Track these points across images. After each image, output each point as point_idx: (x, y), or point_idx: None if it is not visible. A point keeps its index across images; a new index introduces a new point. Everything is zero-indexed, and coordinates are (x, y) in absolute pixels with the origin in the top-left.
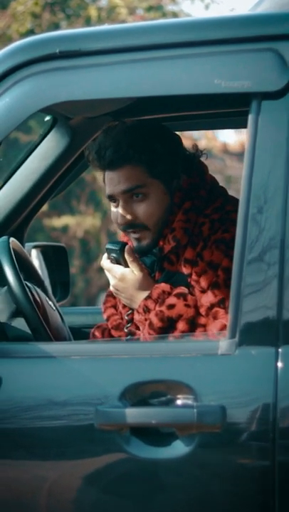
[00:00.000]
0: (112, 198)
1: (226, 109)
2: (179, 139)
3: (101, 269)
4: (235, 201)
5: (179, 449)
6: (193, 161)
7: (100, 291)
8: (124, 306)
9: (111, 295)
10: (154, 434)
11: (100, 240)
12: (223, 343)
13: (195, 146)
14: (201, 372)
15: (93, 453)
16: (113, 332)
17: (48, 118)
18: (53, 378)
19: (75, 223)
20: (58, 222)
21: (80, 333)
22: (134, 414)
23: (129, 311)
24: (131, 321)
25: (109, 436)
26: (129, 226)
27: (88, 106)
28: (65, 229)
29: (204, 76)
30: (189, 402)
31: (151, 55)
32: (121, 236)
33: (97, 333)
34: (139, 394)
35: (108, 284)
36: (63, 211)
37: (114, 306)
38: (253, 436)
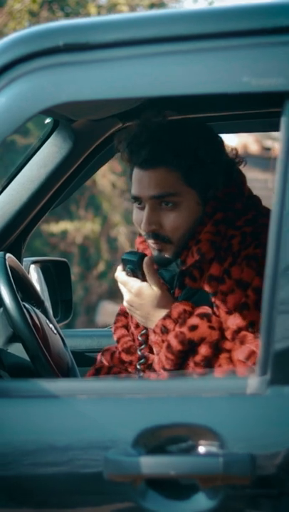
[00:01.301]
0: (137, 199)
1: (250, 110)
2: (223, 144)
3: (101, 276)
4: (269, 213)
5: (201, 503)
6: (233, 168)
7: (100, 299)
8: (137, 327)
9: (123, 314)
10: (173, 487)
11: (100, 246)
12: (253, 381)
13: (234, 151)
14: (227, 414)
15: (101, 507)
16: (123, 355)
17: (48, 120)
18: (55, 420)
19: (73, 229)
20: (56, 227)
21: (83, 358)
22: (149, 464)
23: (143, 331)
24: (145, 342)
25: (121, 488)
26: (152, 236)
27: (94, 107)
28: (63, 235)
29: (231, 73)
30: (214, 449)
31: (170, 48)
32: (136, 243)
33: (105, 358)
34: (155, 439)
35: (108, 293)
36: (62, 216)
37: (126, 326)
38: (286, 490)
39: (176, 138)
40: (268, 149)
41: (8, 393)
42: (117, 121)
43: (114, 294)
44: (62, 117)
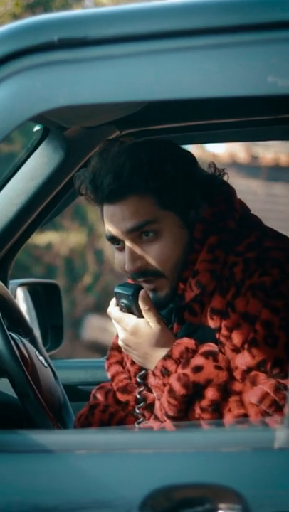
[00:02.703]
0: (114, 240)
1: (267, 116)
2: (192, 158)
3: (87, 289)
4: (274, 235)
5: None
6: (214, 183)
7: (85, 312)
8: (133, 363)
9: (116, 348)
10: None
11: (86, 258)
12: (281, 433)
13: (212, 165)
14: (252, 472)
15: None
16: (119, 395)
17: (37, 128)
18: (50, 480)
19: (59, 240)
20: (41, 239)
21: (76, 392)
22: None
23: (142, 372)
24: (144, 383)
25: None
26: (140, 274)
27: (89, 113)
28: (48, 246)
29: (255, 72)
30: None
31: (183, 44)
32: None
33: (99, 396)
34: (166, 502)
35: (95, 306)
36: (46, 227)
37: (121, 362)
38: None
39: (138, 160)
40: (256, 157)
41: None
42: (115, 128)
43: (100, 307)
44: (53, 124)
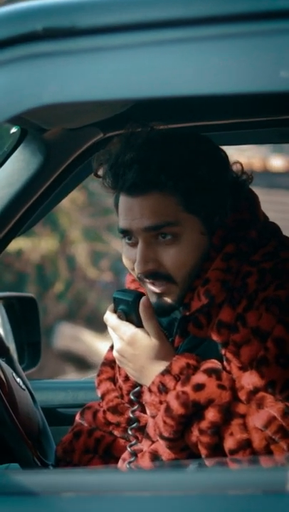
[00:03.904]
0: (127, 234)
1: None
2: (226, 158)
3: (59, 297)
4: None
5: None
6: (243, 188)
7: (57, 320)
8: (127, 380)
9: (108, 364)
10: None
11: (57, 265)
12: None
13: (239, 165)
14: None
15: None
16: (109, 416)
17: (14, 130)
18: None
19: (30, 246)
20: (11, 245)
21: (56, 415)
22: None
23: (137, 388)
24: (138, 401)
25: None
26: (150, 276)
27: (71, 113)
28: (19, 253)
29: (264, 66)
30: None
31: (185, 34)
32: (126, 282)
33: (86, 418)
34: None
35: (66, 314)
36: None
37: (112, 379)
38: None
39: (168, 154)
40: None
41: None
42: (98, 130)
43: (72, 315)
44: (32, 126)
